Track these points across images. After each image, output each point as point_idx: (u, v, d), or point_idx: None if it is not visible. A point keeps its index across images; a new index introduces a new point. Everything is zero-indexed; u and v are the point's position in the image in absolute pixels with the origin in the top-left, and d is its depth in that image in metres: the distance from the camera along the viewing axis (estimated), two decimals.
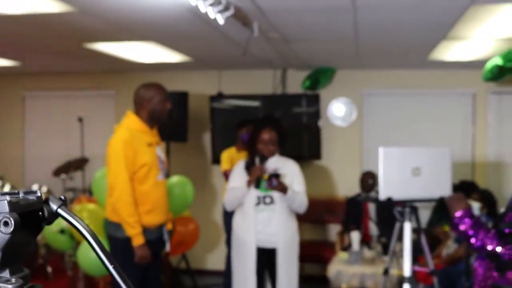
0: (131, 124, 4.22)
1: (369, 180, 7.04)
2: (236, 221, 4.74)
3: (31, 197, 1.08)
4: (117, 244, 4.15)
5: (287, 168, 4.72)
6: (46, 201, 1.10)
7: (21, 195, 1.07)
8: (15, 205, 1.03)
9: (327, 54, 6.72)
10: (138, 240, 4.10)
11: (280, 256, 4.60)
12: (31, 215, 1.07)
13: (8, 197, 1.03)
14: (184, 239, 6.20)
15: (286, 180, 4.62)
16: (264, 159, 4.58)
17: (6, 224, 1.01)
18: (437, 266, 4.79)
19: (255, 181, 4.52)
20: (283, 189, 4.55)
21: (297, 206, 4.70)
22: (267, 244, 4.60)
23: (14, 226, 1.00)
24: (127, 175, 4.08)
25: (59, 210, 1.09)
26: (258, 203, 4.56)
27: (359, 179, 7.17)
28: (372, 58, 6.95)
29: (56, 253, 7.07)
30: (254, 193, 4.55)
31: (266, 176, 4.58)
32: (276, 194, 4.58)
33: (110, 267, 1.08)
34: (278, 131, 4.65)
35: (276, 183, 4.50)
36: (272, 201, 4.58)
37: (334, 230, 7.61)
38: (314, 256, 7.28)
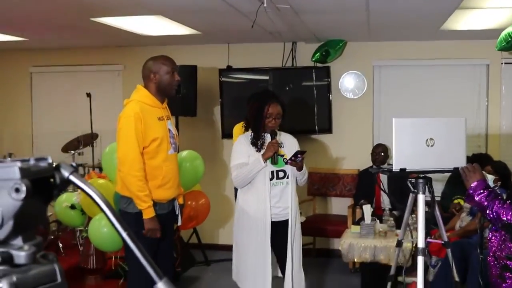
0: (141, 98, 4.21)
1: (381, 153, 7.02)
2: (245, 198, 4.70)
3: (42, 163, 1.07)
4: (128, 218, 4.16)
5: (288, 142, 4.76)
6: (58, 168, 1.08)
7: (32, 161, 1.06)
8: (26, 172, 1.01)
9: (338, 26, 6.67)
10: (148, 213, 4.12)
11: (291, 227, 4.62)
12: (42, 182, 1.05)
13: (19, 163, 1.01)
14: (195, 213, 6.22)
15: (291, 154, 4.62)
16: (275, 133, 4.58)
17: (17, 190, 0.99)
18: (450, 239, 4.77)
19: (272, 156, 4.52)
20: (302, 165, 4.59)
21: (304, 180, 4.77)
22: (279, 217, 4.61)
23: (26, 192, 0.99)
24: (138, 149, 4.07)
25: (71, 177, 1.07)
26: (272, 178, 4.56)
27: (371, 152, 7.16)
28: (383, 29, 6.88)
29: (67, 229, 7.11)
30: (268, 168, 4.54)
31: (282, 151, 4.61)
32: (289, 168, 4.59)
33: (124, 234, 1.07)
34: (282, 106, 4.64)
35: (300, 158, 4.51)
36: (285, 175, 4.60)
37: (345, 203, 7.59)
38: (324, 229, 7.28)
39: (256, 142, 4.62)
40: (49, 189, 1.07)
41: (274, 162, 4.55)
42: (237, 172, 4.62)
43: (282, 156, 4.61)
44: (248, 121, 4.75)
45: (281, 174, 4.61)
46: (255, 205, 4.59)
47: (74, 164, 1.10)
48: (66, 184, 1.08)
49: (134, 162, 4.08)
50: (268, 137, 4.62)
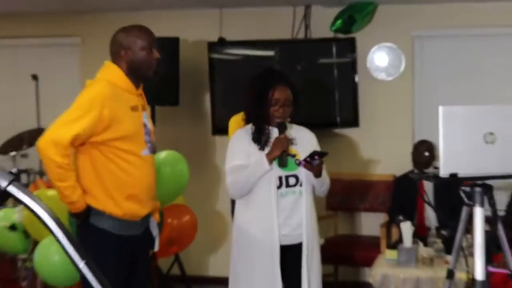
0: (111, 76, 4.18)
1: (424, 153, 7.01)
2: (245, 213, 4.69)
3: None
4: (88, 235, 4.15)
5: (303, 139, 4.72)
6: None
7: None
8: None
9: None
10: (74, 209, 4.15)
11: (307, 253, 4.60)
12: None
13: None
14: (178, 235, 6.22)
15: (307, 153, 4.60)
16: (283, 127, 4.56)
17: None
18: None
19: (280, 156, 4.49)
20: (320, 170, 4.53)
21: (324, 189, 4.75)
22: (290, 240, 4.58)
23: None
24: (76, 135, 3.97)
25: (10, 188, 1.07)
26: (279, 186, 4.54)
27: (411, 152, 7.15)
28: None
29: (4, 257, 7.10)
30: (274, 172, 4.52)
31: (294, 150, 4.59)
32: (303, 172, 4.56)
33: (81, 264, 1.06)
34: (292, 90, 4.63)
35: (318, 162, 4.46)
36: (297, 182, 4.57)
37: (377, 220, 7.59)
38: (349, 255, 7.28)
39: (259, 138, 4.61)
40: None
41: (283, 165, 4.52)
42: (233, 177, 4.61)
43: (294, 156, 4.59)
44: (249, 112, 4.75)
45: (292, 181, 4.59)
46: (258, 223, 4.57)
47: (14, 170, 1.09)
48: (3, 197, 1.08)
49: (61, 144, 3.96)
50: (274, 132, 4.60)
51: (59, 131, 4.00)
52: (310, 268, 4.64)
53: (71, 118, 4.01)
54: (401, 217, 6.59)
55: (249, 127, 4.69)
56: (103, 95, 4.06)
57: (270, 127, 4.62)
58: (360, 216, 7.98)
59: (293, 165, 4.57)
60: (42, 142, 4.01)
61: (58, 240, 1.05)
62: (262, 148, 4.58)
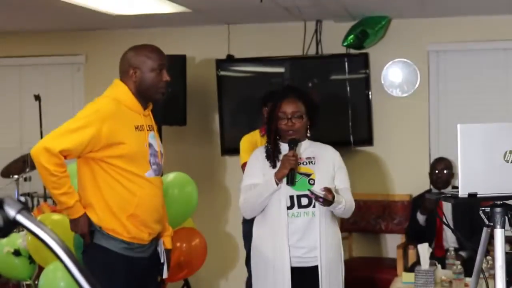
0: (118, 94, 4.19)
1: (443, 171, 7.00)
2: (258, 233, 4.71)
3: None
4: (93, 253, 4.15)
5: (324, 157, 4.67)
6: (1, 205, 1.08)
7: None
8: None
9: None
10: (71, 214, 4.13)
11: (324, 277, 4.56)
12: None
13: None
14: (187, 259, 6.21)
15: (326, 175, 4.60)
16: (294, 143, 4.54)
17: None
18: None
19: (288, 174, 4.48)
20: (326, 205, 4.47)
21: (344, 211, 4.66)
22: (304, 263, 4.57)
23: None
24: (72, 147, 3.98)
25: (19, 217, 1.08)
26: (291, 206, 4.53)
27: (429, 172, 7.14)
28: (441, 0, 6.87)
29: (9, 284, 7.10)
30: (284, 191, 4.51)
31: (308, 169, 4.57)
32: (316, 191, 4.50)
33: None
34: (305, 102, 4.61)
35: (322, 200, 4.40)
36: (310, 202, 4.53)
37: (393, 242, 7.58)
38: (365, 278, 7.26)
39: (271, 155, 4.62)
40: None
41: (290, 183, 4.49)
42: (245, 197, 4.63)
43: (308, 176, 4.57)
44: (265, 129, 4.77)
45: (304, 201, 4.55)
46: (270, 243, 4.57)
47: (22, 199, 1.10)
48: (11, 226, 1.09)
49: (53, 154, 3.96)
50: (285, 149, 4.59)
51: (52, 141, 4.02)
52: None
53: (67, 130, 4.05)
54: (418, 239, 6.58)
55: (264, 146, 4.70)
56: (105, 112, 4.06)
57: (282, 143, 4.62)
58: (375, 238, 7.97)
59: (305, 184, 4.53)
60: (35, 149, 4.04)
61: (67, 268, 1.06)
62: (273, 166, 4.57)
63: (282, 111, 4.54)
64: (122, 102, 4.16)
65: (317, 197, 4.40)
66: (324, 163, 4.65)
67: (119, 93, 4.19)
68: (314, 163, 4.62)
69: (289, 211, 4.52)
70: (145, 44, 4.35)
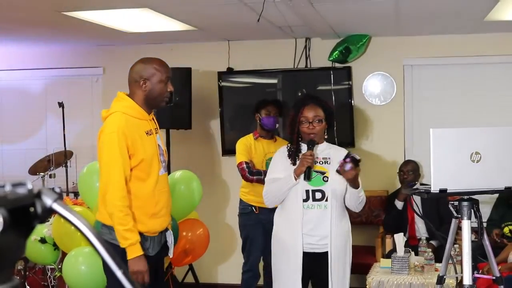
0: (126, 109, 4.14)
1: (409, 172, 7.02)
2: (277, 221, 4.75)
3: (21, 190, 1.07)
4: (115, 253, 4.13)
5: (339, 159, 4.63)
6: (39, 195, 1.09)
7: (7, 187, 1.06)
8: (3, 200, 1.02)
9: (360, 18, 6.68)
10: (133, 252, 4.01)
11: (333, 262, 4.61)
12: (21, 212, 1.06)
13: None
14: (191, 247, 6.20)
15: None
16: (312, 143, 4.57)
17: None
18: (502, 273, 4.75)
19: (305, 171, 4.50)
20: (352, 177, 4.48)
21: (358, 204, 4.70)
22: (316, 249, 4.60)
23: (3, 225, 1.00)
24: (122, 173, 3.99)
25: (54, 205, 1.08)
26: (306, 199, 4.56)
27: (398, 171, 7.17)
28: (415, 21, 6.90)
29: (35, 267, 7.09)
30: (301, 186, 4.54)
31: (322, 167, 4.59)
32: (329, 188, 4.56)
33: (119, 272, 1.08)
34: (323, 108, 4.64)
35: (350, 166, 4.39)
36: (323, 196, 4.57)
37: (372, 232, 7.58)
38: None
39: (292, 154, 4.65)
40: (28, 220, 1.08)
41: (307, 178, 4.50)
42: (267, 188, 4.68)
43: (323, 173, 4.59)
44: (287, 132, 4.81)
45: (318, 195, 4.58)
46: (286, 230, 4.62)
47: (57, 189, 1.11)
48: (48, 213, 1.09)
49: (115, 189, 4.00)
50: (305, 149, 4.61)
51: (111, 177, 4.03)
52: (341, 275, 4.68)
53: (110, 161, 4.04)
54: (394, 229, 6.58)
55: (287, 146, 4.76)
56: (122, 128, 4.02)
57: (302, 144, 4.65)
58: (357, 228, 7.94)
59: (320, 180, 4.57)
60: (107, 194, 4.05)
61: (97, 251, 1.06)
62: (294, 163, 4.61)
63: (304, 116, 4.58)
64: (129, 114, 4.13)
65: (344, 170, 4.41)
66: (335, 163, 4.64)
67: (125, 107, 4.15)
68: (329, 163, 4.64)
69: (305, 203, 4.55)
70: (153, 58, 4.31)
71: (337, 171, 4.50)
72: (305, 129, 4.58)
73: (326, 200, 4.58)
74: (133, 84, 4.21)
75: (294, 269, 4.57)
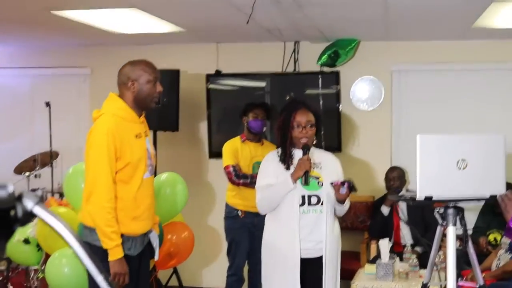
0: (116, 110, 4.17)
1: (395, 179, 7.03)
2: (270, 228, 4.71)
3: (1, 192, 1.07)
4: (96, 254, 4.12)
5: (328, 163, 4.72)
6: (19, 198, 1.08)
7: None
8: None
9: (349, 22, 6.68)
10: (115, 254, 4.06)
11: (327, 265, 4.62)
12: (1, 215, 1.05)
13: None
14: (176, 250, 6.18)
15: (331, 179, 4.62)
16: (307, 148, 4.57)
17: None
18: (486, 281, 4.77)
19: (303, 176, 4.49)
20: (344, 199, 4.58)
21: (343, 211, 4.75)
22: (312, 253, 4.60)
23: None
24: (110, 174, 4.03)
25: (36, 209, 1.07)
26: (302, 204, 4.56)
27: (384, 178, 7.17)
28: (403, 26, 6.91)
29: (18, 268, 7.05)
30: (297, 191, 4.53)
31: (317, 173, 4.60)
32: (323, 193, 4.58)
33: (99, 278, 1.07)
34: (313, 113, 4.65)
35: (345, 192, 4.49)
36: (319, 201, 4.59)
37: (357, 238, 7.58)
38: None
39: (285, 159, 4.63)
40: (9, 223, 1.07)
41: (305, 183, 4.52)
42: (261, 195, 4.63)
43: (317, 178, 4.60)
44: (277, 137, 4.76)
45: (314, 200, 4.59)
46: (282, 237, 4.59)
47: (39, 193, 1.10)
48: (29, 217, 1.08)
49: (103, 191, 4.03)
50: (298, 153, 4.61)
51: (99, 179, 4.06)
52: (331, 280, 4.67)
53: (98, 163, 4.06)
54: (379, 235, 6.58)
55: (277, 151, 4.72)
56: (112, 130, 4.05)
57: (295, 150, 4.63)
58: (342, 233, 7.92)
59: (315, 185, 4.58)
60: (92, 196, 4.09)
61: (78, 256, 1.05)
62: (287, 168, 4.59)
63: (297, 121, 4.57)
64: (120, 116, 4.15)
65: (338, 192, 4.49)
66: (329, 169, 4.70)
67: (116, 108, 4.18)
68: (321, 168, 4.65)
69: (301, 208, 4.55)
70: (140, 60, 4.34)
71: (332, 184, 4.53)
72: (298, 134, 4.58)
73: (322, 205, 4.60)
74: (122, 86, 4.24)
75: (292, 276, 4.54)
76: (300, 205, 4.54)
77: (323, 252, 4.60)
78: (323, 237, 4.59)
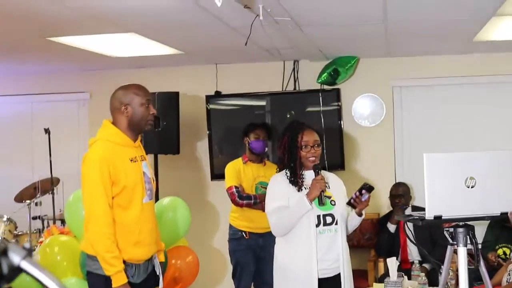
0: (110, 136, 4.14)
1: (401, 196, 6.95)
2: (283, 250, 4.62)
3: None
4: (98, 282, 4.04)
5: (335, 183, 4.69)
6: (5, 252, 0.98)
7: None
8: None
9: (348, 40, 6.66)
10: (118, 280, 3.99)
11: (345, 282, 4.57)
12: None
13: None
14: (181, 274, 6.12)
15: (341, 197, 4.63)
16: (318, 168, 4.52)
17: None
18: None
19: (319, 196, 4.45)
20: (367, 205, 4.60)
21: (355, 227, 4.74)
22: (328, 273, 4.52)
23: None
24: (105, 199, 3.99)
25: (23, 263, 0.98)
26: (317, 224, 4.48)
27: (389, 196, 7.10)
28: (403, 42, 6.88)
29: None
30: (313, 211, 4.45)
31: (328, 192, 4.55)
32: (337, 212, 4.53)
33: None
34: (317, 133, 4.63)
35: (367, 197, 4.53)
36: (333, 220, 4.52)
37: (364, 256, 7.50)
38: None
39: (296, 181, 4.55)
40: None
41: (322, 203, 4.47)
42: (277, 217, 4.52)
43: (329, 198, 4.54)
44: (282, 158, 4.67)
45: (329, 220, 4.51)
46: (298, 259, 4.50)
47: (27, 245, 1.00)
48: (16, 273, 0.99)
49: (101, 217, 3.98)
50: (308, 175, 4.56)
51: (94, 205, 4.01)
52: None
53: (92, 189, 4.02)
54: (386, 253, 6.50)
55: (284, 172, 4.62)
56: (104, 156, 4.02)
57: (303, 171, 4.57)
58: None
59: (329, 205, 4.52)
60: (89, 223, 4.04)
61: None
62: (299, 190, 4.53)
63: (305, 141, 4.52)
64: (113, 141, 4.12)
65: (361, 201, 4.53)
66: (337, 188, 4.67)
67: (109, 134, 4.15)
68: (329, 188, 4.59)
69: (317, 228, 4.47)
70: (131, 84, 4.30)
71: (349, 203, 4.53)
72: (306, 153, 4.53)
73: (336, 224, 4.53)
74: (115, 112, 4.22)
75: None
76: (316, 226, 4.48)
77: (341, 269, 4.55)
78: (339, 255, 4.54)
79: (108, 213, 3.99)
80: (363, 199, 4.50)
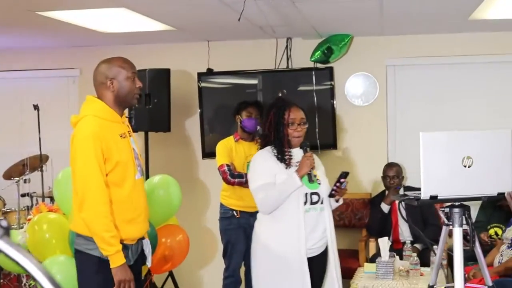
0: (97, 112, 4.00)
1: (394, 177, 6.92)
2: (269, 229, 4.56)
3: None
4: (90, 263, 3.95)
5: (316, 163, 4.65)
6: None
7: None
8: None
9: (342, 17, 6.60)
10: (117, 260, 3.89)
11: (331, 257, 4.58)
12: None
13: None
14: (171, 253, 6.07)
15: (323, 176, 4.65)
16: (306, 145, 4.53)
17: None
18: None
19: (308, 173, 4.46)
20: (346, 191, 4.61)
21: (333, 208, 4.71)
22: (314, 252, 4.52)
23: None
24: (101, 178, 3.86)
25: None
26: (305, 202, 4.45)
27: (382, 176, 7.06)
28: (398, 21, 6.83)
29: (10, 276, 6.96)
30: (302, 189, 4.43)
31: (315, 171, 4.53)
32: (323, 190, 4.53)
33: None
34: (303, 110, 4.61)
35: (345, 183, 4.53)
36: (319, 199, 4.51)
37: (355, 236, 7.47)
38: None
39: (283, 158, 4.50)
40: None
41: (312, 181, 4.47)
42: (265, 194, 4.46)
43: (315, 176, 4.53)
44: (266, 137, 4.61)
45: (315, 198, 4.52)
46: (285, 238, 4.47)
47: (4, 224, 0.91)
48: None
49: (97, 195, 3.85)
50: (295, 153, 4.54)
51: (90, 184, 3.88)
52: (338, 268, 4.67)
53: (87, 166, 3.88)
54: (378, 233, 6.45)
55: (270, 149, 4.57)
56: (95, 131, 3.88)
57: (290, 148, 4.55)
58: (340, 232, 7.82)
59: (316, 183, 4.51)
60: (85, 202, 3.90)
61: None
62: (287, 167, 4.49)
63: (291, 118, 4.49)
64: (101, 117, 3.97)
65: (341, 189, 4.54)
66: (319, 167, 4.69)
67: (97, 110, 4.00)
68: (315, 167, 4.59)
69: (304, 207, 4.45)
70: (114, 57, 4.17)
71: (331, 195, 4.53)
72: (292, 131, 4.50)
73: (322, 203, 4.53)
74: (100, 86, 4.07)
75: (300, 276, 4.43)
76: (304, 203, 4.46)
77: (328, 242, 4.57)
78: (324, 233, 4.54)
79: (104, 191, 3.87)
80: (342, 187, 4.50)
